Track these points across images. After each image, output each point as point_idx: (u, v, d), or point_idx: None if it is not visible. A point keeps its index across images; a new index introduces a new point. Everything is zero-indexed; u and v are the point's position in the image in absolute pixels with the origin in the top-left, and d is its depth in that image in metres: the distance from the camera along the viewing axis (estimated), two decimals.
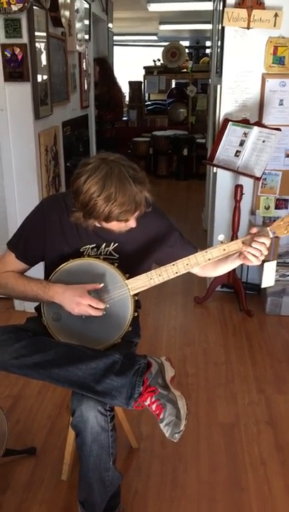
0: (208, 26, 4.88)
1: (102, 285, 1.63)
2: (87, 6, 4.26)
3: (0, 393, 2.47)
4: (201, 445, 2.16)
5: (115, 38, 6.80)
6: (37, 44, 2.86)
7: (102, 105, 5.15)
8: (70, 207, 1.62)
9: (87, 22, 4.27)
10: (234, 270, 3.27)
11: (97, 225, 1.62)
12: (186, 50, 8.50)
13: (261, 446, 2.16)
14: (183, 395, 1.57)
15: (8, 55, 2.73)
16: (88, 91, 4.51)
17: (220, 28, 3.42)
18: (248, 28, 3.01)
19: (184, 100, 8.12)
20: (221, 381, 2.61)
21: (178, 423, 1.50)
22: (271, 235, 1.61)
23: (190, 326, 3.21)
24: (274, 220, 1.72)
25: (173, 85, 8.94)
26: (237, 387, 2.56)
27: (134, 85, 8.31)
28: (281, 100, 3.16)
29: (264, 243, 1.58)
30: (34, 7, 2.74)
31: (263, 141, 2.97)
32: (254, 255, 1.58)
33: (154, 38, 10.25)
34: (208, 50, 9.20)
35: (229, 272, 3.33)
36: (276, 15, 2.96)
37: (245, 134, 3.03)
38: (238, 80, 3.17)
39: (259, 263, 1.62)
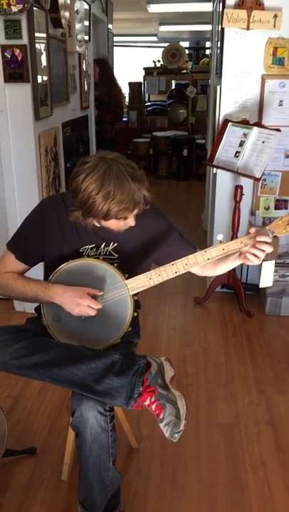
0: (208, 27, 4.88)
1: (102, 293, 1.64)
2: (87, 7, 4.26)
3: (0, 393, 2.47)
4: (201, 445, 2.17)
5: (115, 38, 6.81)
6: (37, 45, 2.86)
7: (102, 106, 5.15)
8: (69, 207, 1.62)
9: (87, 23, 4.27)
10: (234, 271, 3.27)
11: (96, 224, 1.63)
12: (186, 51, 8.51)
13: (261, 446, 2.16)
14: (182, 395, 1.57)
15: (8, 56, 2.73)
16: (88, 92, 4.51)
17: (220, 29, 3.42)
18: (248, 28, 3.01)
19: (183, 101, 8.12)
20: (221, 381, 2.61)
21: (177, 423, 1.50)
22: (270, 235, 1.61)
23: (190, 326, 3.22)
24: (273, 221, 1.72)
25: (173, 86, 8.95)
26: (237, 387, 2.56)
27: (134, 86, 8.32)
28: (281, 101, 3.16)
29: (265, 242, 1.58)
30: (34, 8, 2.74)
31: (263, 142, 2.98)
32: (255, 255, 1.59)
33: (154, 38, 10.26)
34: (208, 51, 9.21)
35: (229, 273, 3.37)
36: (276, 16, 2.96)
37: (245, 135, 3.04)
38: (238, 81, 3.17)
39: (259, 262, 1.62)
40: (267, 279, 1.74)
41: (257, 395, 2.51)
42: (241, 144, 3.05)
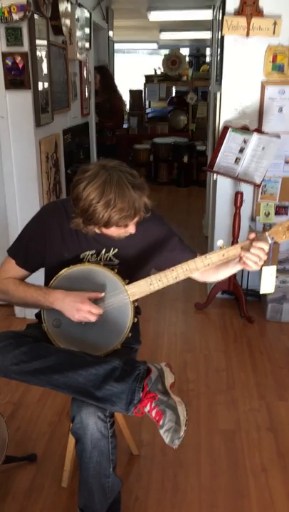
0: (208, 34, 4.91)
1: (103, 294, 1.63)
2: (87, 14, 4.29)
3: (0, 400, 2.47)
4: (202, 451, 2.16)
5: (116, 46, 6.85)
6: (38, 52, 2.88)
7: (102, 113, 5.18)
8: (70, 213, 1.63)
9: (87, 30, 4.30)
10: (235, 276, 3.27)
11: (97, 231, 1.63)
12: (186, 58, 8.54)
13: (262, 452, 2.15)
14: (183, 401, 1.57)
15: (10, 64, 2.75)
16: (89, 99, 4.54)
17: (220, 36, 3.45)
18: (248, 36, 3.03)
19: (184, 108, 8.15)
20: (222, 387, 2.61)
21: (177, 429, 1.50)
22: (270, 241, 1.61)
23: (191, 332, 3.21)
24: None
25: (173, 93, 8.98)
26: (238, 393, 2.56)
27: (135, 94, 8.36)
28: (280, 107, 3.17)
29: (262, 248, 1.58)
30: (35, 16, 2.76)
31: (263, 148, 2.99)
32: (252, 261, 1.59)
33: (155, 45, 10.32)
34: (208, 58, 9.25)
35: (230, 278, 3.37)
36: (275, 23, 2.98)
37: (245, 141, 3.05)
38: (238, 88, 3.19)
39: (258, 268, 1.62)
40: (268, 284, 1.74)
41: (258, 400, 2.50)
42: (241, 150, 3.06)
